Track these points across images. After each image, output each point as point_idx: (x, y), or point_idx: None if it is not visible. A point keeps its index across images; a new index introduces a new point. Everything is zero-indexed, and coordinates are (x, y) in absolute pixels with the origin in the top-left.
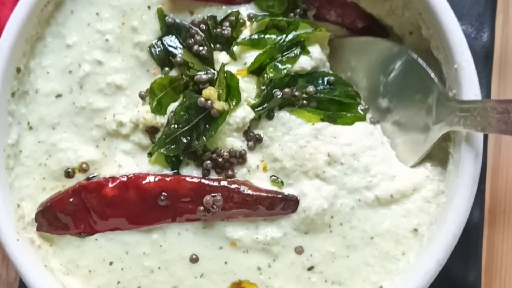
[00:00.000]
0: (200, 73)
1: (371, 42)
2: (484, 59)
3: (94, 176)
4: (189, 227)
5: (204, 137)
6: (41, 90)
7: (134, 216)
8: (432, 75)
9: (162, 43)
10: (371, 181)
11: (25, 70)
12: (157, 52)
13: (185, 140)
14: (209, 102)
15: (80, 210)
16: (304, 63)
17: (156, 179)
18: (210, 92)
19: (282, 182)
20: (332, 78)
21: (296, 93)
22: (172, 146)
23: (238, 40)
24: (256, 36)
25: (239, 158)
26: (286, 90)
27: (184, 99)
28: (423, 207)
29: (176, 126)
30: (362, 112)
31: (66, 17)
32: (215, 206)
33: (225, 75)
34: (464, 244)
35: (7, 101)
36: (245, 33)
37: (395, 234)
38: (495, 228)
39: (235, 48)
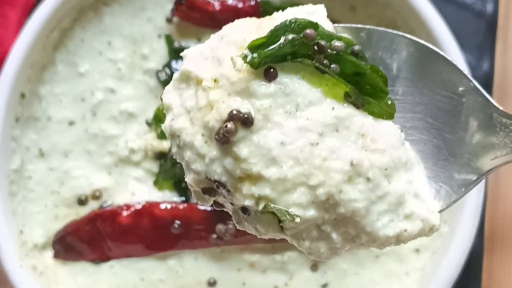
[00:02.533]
0: None
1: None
2: (485, 89)
3: (107, 203)
4: (206, 251)
5: None
6: (54, 117)
7: (149, 243)
8: (476, 83)
9: (169, 68)
10: (405, 229)
11: (32, 96)
12: (164, 77)
13: (179, 166)
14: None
15: (96, 237)
16: None
17: (169, 207)
18: None
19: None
20: (357, 48)
21: (322, 42)
22: (170, 173)
23: None
24: None
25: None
26: (309, 31)
27: None
28: None
29: (172, 153)
30: (390, 107)
31: (78, 45)
32: (227, 234)
33: None
34: (465, 271)
35: (11, 127)
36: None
37: (398, 254)
38: (494, 256)
39: None
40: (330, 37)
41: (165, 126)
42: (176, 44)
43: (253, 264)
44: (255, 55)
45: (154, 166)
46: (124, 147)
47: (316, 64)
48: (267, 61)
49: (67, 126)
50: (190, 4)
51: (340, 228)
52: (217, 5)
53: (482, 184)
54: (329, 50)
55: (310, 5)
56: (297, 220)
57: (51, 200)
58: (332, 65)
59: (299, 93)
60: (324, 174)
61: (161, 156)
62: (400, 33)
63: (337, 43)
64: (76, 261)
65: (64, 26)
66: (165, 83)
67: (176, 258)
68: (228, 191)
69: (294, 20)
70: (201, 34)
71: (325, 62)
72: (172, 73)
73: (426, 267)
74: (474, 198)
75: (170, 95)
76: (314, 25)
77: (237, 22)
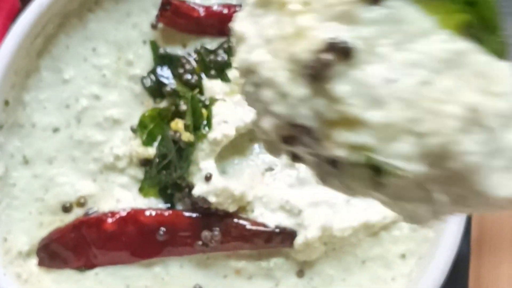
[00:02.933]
0: (181, 102)
1: None
2: None
3: (92, 210)
4: (191, 258)
5: (179, 170)
6: (38, 124)
7: (134, 250)
8: None
9: (154, 74)
10: None
11: (16, 103)
12: (149, 84)
13: (164, 173)
14: (177, 134)
15: (81, 244)
16: None
17: (154, 213)
18: (177, 124)
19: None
20: None
21: None
22: (156, 180)
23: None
24: None
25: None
26: None
27: (165, 132)
28: (410, 234)
29: (157, 159)
30: (503, 45)
31: (62, 52)
32: (213, 241)
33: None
34: (453, 275)
35: None
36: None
37: (385, 259)
38: (481, 259)
39: (235, 73)
40: None
41: (237, 60)
42: (161, 50)
43: (239, 270)
44: None
45: (139, 173)
46: (109, 153)
47: None
48: None
49: (51, 133)
50: (175, 10)
51: (449, 186)
52: (202, 11)
53: None
54: None
55: None
56: (406, 174)
57: (35, 207)
58: None
59: (411, 20)
60: (436, 120)
61: (146, 163)
62: None
63: None
64: (61, 269)
65: (49, 33)
66: (150, 89)
67: (161, 265)
68: (316, 139)
69: None
70: (187, 40)
71: None
72: (157, 79)
73: (412, 272)
74: None
75: (244, 22)
76: None
77: None
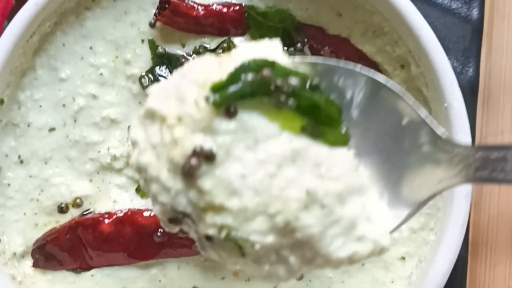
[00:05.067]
0: None
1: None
2: (470, 94)
3: (88, 211)
4: (189, 260)
5: None
6: (34, 123)
7: (131, 251)
8: (423, 112)
9: (152, 73)
10: (357, 251)
11: (12, 102)
12: (147, 83)
13: None
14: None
15: (76, 246)
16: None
17: (152, 214)
18: None
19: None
20: (316, 81)
21: (278, 82)
22: None
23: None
24: None
25: None
26: (266, 72)
27: None
28: (410, 236)
29: None
30: (344, 135)
31: (58, 50)
32: None
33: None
34: (450, 277)
35: None
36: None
37: (384, 262)
38: (478, 260)
39: None
40: (286, 74)
41: (132, 160)
42: (160, 49)
43: (237, 273)
44: (217, 96)
45: (136, 174)
46: (106, 154)
47: (274, 101)
48: (228, 101)
49: (47, 133)
50: (174, 9)
51: (297, 251)
52: (201, 10)
53: (469, 192)
54: (285, 87)
55: (266, 40)
56: (257, 246)
57: (30, 208)
58: (289, 101)
59: (258, 128)
60: (282, 203)
61: None
62: (352, 66)
63: (293, 81)
64: (56, 270)
65: (45, 31)
66: (148, 88)
67: (158, 267)
68: (193, 220)
69: (252, 61)
70: (185, 39)
71: (282, 98)
72: (155, 79)
73: (412, 275)
74: (461, 206)
75: (136, 130)
76: (271, 64)
77: (198, 60)
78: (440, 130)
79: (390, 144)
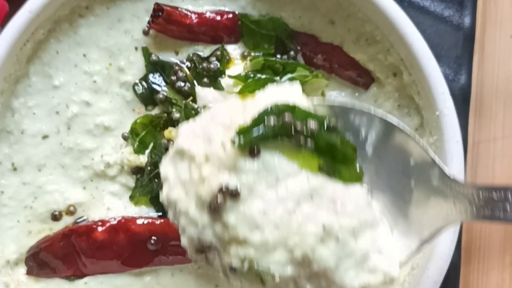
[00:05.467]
0: (174, 111)
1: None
2: (462, 101)
3: (82, 218)
4: (183, 267)
5: None
6: (27, 130)
7: (125, 259)
8: (431, 153)
9: (146, 81)
10: (369, 281)
11: (5, 109)
12: (141, 90)
13: (156, 181)
14: (171, 142)
15: (70, 253)
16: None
17: (146, 222)
18: (170, 132)
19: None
20: (333, 122)
21: (298, 125)
22: (147, 188)
23: (232, 75)
24: (251, 74)
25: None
26: (287, 117)
27: (156, 140)
28: None
29: (149, 168)
30: (358, 171)
31: (52, 57)
32: None
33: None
34: (442, 283)
35: None
36: (234, 69)
37: None
38: (470, 267)
39: (228, 81)
40: (305, 116)
41: (162, 196)
42: (153, 57)
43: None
44: (241, 139)
45: (130, 181)
46: (100, 161)
47: (294, 142)
48: (252, 143)
49: (41, 140)
50: (167, 17)
51: (313, 281)
52: (194, 18)
53: None
54: (304, 130)
55: (287, 83)
56: (277, 278)
57: (24, 215)
58: (308, 142)
59: (279, 168)
60: (300, 237)
61: (138, 171)
62: (366, 108)
63: (311, 124)
64: (50, 278)
65: (39, 38)
66: (142, 96)
67: (152, 275)
68: (218, 252)
69: (274, 106)
70: (179, 46)
71: (301, 139)
72: (149, 86)
73: (405, 283)
74: None
75: (167, 167)
76: (292, 109)
77: (225, 103)
78: (447, 170)
79: (401, 181)
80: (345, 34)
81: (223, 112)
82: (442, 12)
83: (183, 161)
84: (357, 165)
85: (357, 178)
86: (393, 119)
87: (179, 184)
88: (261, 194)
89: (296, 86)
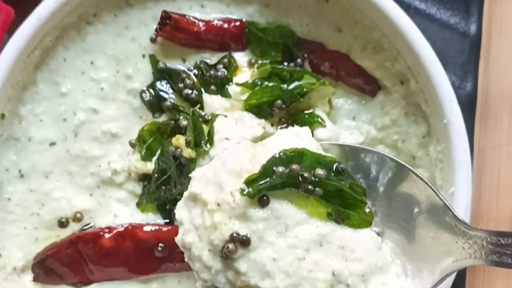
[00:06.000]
0: (181, 118)
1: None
2: (468, 108)
3: (89, 225)
4: (189, 275)
5: (180, 186)
6: (34, 137)
7: (131, 266)
8: (443, 197)
9: (153, 88)
10: None
11: (12, 116)
12: (148, 98)
13: (164, 189)
14: (178, 150)
15: (77, 260)
16: (321, 134)
17: (153, 229)
18: (178, 140)
19: None
20: (342, 165)
21: (306, 174)
22: (154, 195)
23: (239, 82)
24: (259, 82)
25: None
26: (294, 166)
27: (164, 148)
28: None
29: (156, 175)
30: (368, 215)
31: (59, 64)
32: None
33: (200, 119)
34: None
35: None
36: (241, 77)
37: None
38: (476, 274)
39: (235, 88)
40: (313, 164)
41: (177, 239)
42: (160, 64)
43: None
44: (250, 189)
45: (137, 188)
46: (107, 168)
47: (302, 190)
48: (260, 192)
49: (48, 147)
50: (175, 25)
51: None
52: (202, 26)
53: (467, 207)
54: (312, 178)
55: (296, 128)
56: None
57: (31, 222)
58: (316, 189)
59: (288, 216)
60: (310, 284)
61: (145, 178)
62: (377, 151)
63: (319, 171)
64: (56, 285)
65: (46, 45)
66: (149, 103)
67: (159, 281)
68: None
69: (282, 153)
70: (186, 54)
71: (309, 187)
72: (156, 94)
73: None
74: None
75: (181, 211)
76: (299, 155)
77: (235, 150)
78: (458, 214)
79: (412, 222)
80: (352, 42)
81: (233, 159)
82: (448, 20)
83: (196, 206)
84: (367, 208)
85: (366, 222)
86: (405, 164)
87: (193, 228)
88: (271, 242)
89: (306, 130)
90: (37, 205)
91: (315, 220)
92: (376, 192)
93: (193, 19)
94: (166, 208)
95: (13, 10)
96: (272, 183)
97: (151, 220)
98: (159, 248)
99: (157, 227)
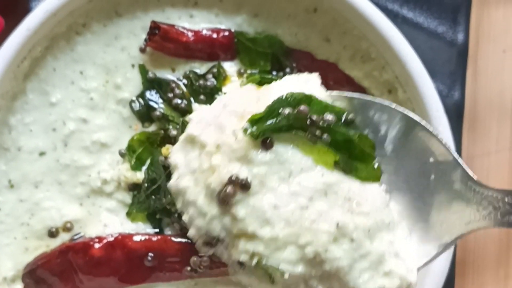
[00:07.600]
0: (171, 128)
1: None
2: (456, 116)
3: (79, 235)
4: (180, 284)
5: (170, 195)
6: (24, 147)
7: (121, 276)
8: (455, 153)
9: (143, 98)
10: (384, 286)
11: (2, 126)
12: (138, 107)
13: (154, 198)
14: (167, 160)
15: (67, 270)
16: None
17: (143, 238)
18: (167, 149)
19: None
20: (351, 116)
21: (314, 117)
22: (144, 205)
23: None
24: None
25: None
26: (302, 107)
27: (153, 157)
28: None
29: (146, 184)
30: (376, 170)
31: (49, 74)
32: (202, 267)
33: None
34: None
35: None
36: (231, 87)
37: None
38: (465, 279)
39: None
40: (322, 110)
41: (170, 184)
42: (150, 74)
43: None
44: (254, 128)
45: (127, 197)
46: (97, 177)
47: (309, 135)
48: (265, 133)
49: (37, 157)
50: (164, 35)
51: (325, 282)
52: (191, 36)
53: None
54: (321, 123)
55: (305, 74)
56: (286, 276)
57: (21, 232)
58: (324, 135)
59: (292, 161)
60: (312, 235)
61: (135, 187)
62: (388, 103)
63: (328, 116)
64: None
65: (36, 55)
66: (138, 113)
67: None
68: (226, 246)
69: (289, 95)
70: (175, 64)
71: (317, 133)
72: (146, 103)
73: None
74: None
75: (177, 155)
76: (308, 99)
77: (239, 91)
78: (471, 172)
79: (421, 182)
80: (340, 51)
81: (236, 100)
82: (436, 29)
83: (194, 149)
84: (376, 163)
85: (374, 177)
86: (415, 115)
87: (189, 172)
88: (273, 187)
89: (315, 76)
90: (27, 215)
91: (321, 168)
92: (384, 151)
93: (182, 29)
94: (156, 218)
95: (2, 20)
96: (277, 124)
97: (141, 230)
98: (149, 258)
99: (147, 237)
